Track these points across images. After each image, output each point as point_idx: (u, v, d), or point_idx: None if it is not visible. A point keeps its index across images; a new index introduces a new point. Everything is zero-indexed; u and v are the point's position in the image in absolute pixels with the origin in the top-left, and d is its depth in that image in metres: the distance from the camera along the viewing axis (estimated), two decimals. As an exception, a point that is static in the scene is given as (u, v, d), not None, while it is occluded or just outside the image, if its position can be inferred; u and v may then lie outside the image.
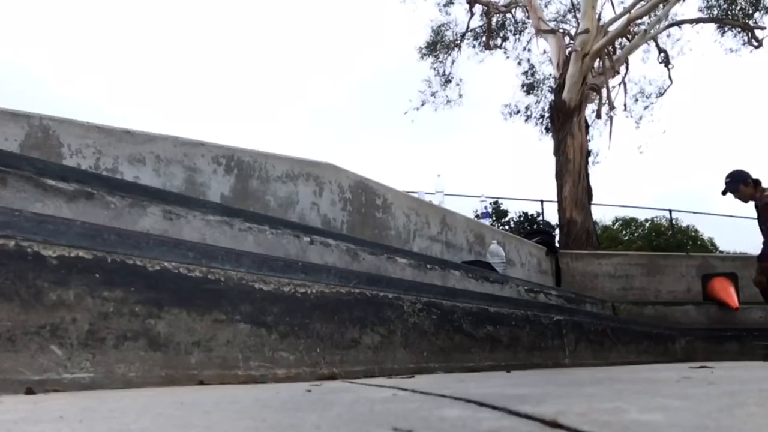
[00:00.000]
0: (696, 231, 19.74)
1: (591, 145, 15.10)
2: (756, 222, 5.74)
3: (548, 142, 14.51)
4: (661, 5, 12.43)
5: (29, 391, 1.22)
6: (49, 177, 2.00)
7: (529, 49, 16.36)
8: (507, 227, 15.79)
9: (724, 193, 5.65)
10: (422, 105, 16.40)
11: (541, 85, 16.54)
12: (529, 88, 16.70)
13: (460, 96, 16.41)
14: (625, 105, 15.08)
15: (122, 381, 1.40)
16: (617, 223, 22.18)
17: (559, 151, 11.43)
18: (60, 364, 1.31)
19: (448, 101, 16.37)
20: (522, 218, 16.33)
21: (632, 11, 12.04)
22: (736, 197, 5.57)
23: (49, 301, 1.32)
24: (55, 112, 2.80)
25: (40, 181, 1.97)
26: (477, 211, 9.51)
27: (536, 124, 16.74)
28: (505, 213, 16.61)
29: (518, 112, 17.10)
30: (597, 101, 13.70)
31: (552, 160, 11.71)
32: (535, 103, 16.61)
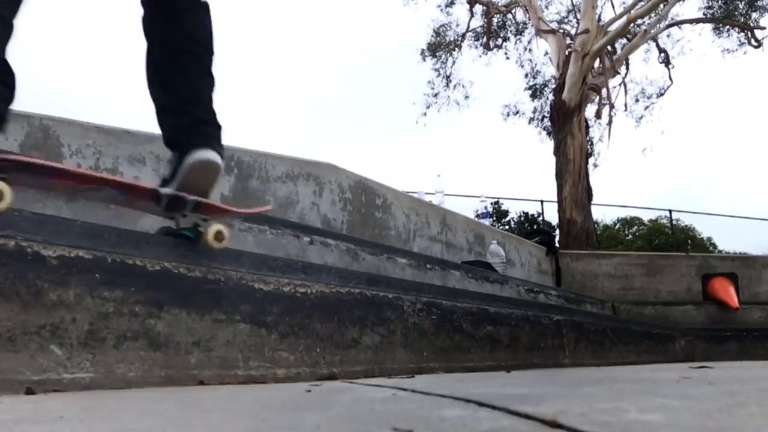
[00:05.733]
0: (694, 230, 19.75)
1: (592, 146, 15.15)
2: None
3: (549, 143, 14.53)
4: (661, 5, 12.43)
5: (29, 391, 1.22)
6: (49, 177, 2.00)
7: (529, 50, 16.37)
8: (507, 227, 15.79)
9: None
10: (428, 108, 16.43)
11: (544, 88, 16.56)
12: (535, 92, 16.71)
13: (467, 98, 16.45)
14: (625, 105, 15.10)
15: (122, 381, 1.40)
16: (618, 223, 22.19)
17: (559, 151, 11.43)
18: (60, 364, 1.31)
19: (456, 103, 16.39)
20: (522, 218, 16.33)
21: (632, 11, 12.04)
22: None
23: (49, 301, 1.32)
24: (50, 108, 2.80)
25: (40, 181, 1.96)
26: (477, 211, 9.51)
27: (537, 126, 16.78)
28: (505, 213, 16.61)
29: (517, 113, 17.12)
30: (597, 101, 13.71)
31: (552, 160, 11.72)
32: (540, 108, 16.65)
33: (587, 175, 11.59)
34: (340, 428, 0.79)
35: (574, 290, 6.47)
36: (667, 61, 14.87)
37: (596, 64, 12.15)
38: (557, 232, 11.82)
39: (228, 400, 1.15)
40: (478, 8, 15.55)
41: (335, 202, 4.03)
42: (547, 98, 16.08)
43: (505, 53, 16.43)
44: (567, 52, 12.08)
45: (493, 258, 5.49)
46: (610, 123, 13.20)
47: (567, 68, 11.50)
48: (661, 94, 15.77)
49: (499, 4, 15.48)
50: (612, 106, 13.23)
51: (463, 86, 16.42)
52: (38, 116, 2.75)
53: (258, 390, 1.41)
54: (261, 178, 3.59)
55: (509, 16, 15.96)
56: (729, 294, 6.63)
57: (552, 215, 14.02)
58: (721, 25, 14.71)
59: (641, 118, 15.98)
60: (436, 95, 16.46)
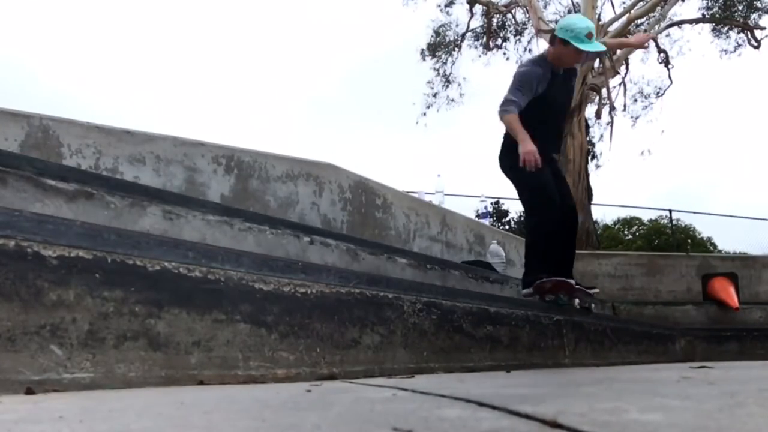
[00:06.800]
0: (694, 230, 19.76)
1: (593, 147, 15.16)
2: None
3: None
4: (660, 5, 12.43)
5: (29, 391, 1.22)
6: (49, 177, 2.00)
7: (529, 50, 16.36)
8: (507, 227, 15.79)
9: None
10: (428, 108, 16.46)
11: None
12: None
13: (461, 95, 16.47)
14: (625, 105, 15.08)
15: (122, 381, 1.40)
16: (618, 223, 22.20)
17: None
18: (60, 364, 1.31)
19: (451, 101, 16.43)
20: (522, 218, 16.31)
21: (632, 11, 12.05)
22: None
23: (49, 301, 1.32)
24: (50, 108, 2.80)
25: (40, 181, 1.97)
26: (477, 211, 9.51)
27: None
28: (505, 213, 16.61)
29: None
30: (597, 101, 13.69)
31: (552, 160, 11.70)
32: None
33: (587, 175, 11.59)
34: (340, 428, 0.79)
35: (574, 290, 6.46)
36: (666, 62, 14.86)
37: (596, 64, 12.16)
38: (557, 232, 11.80)
39: (228, 400, 1.15)
40: (478, 8, 15.55)
41: (335, 202, 4.03)
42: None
43: (505, 53, 16.44)
44: (567, 52, 12.06)
45: (493, 258, 5.48)
46: (611, 123, 13.19)
47: (567, 68, 11.49)
48: (661, 94, 15.77)
49: (499, 4, 15.47)
50: (613, 107, 13.23)
51: (459, 84, 16.44)
52: (38, 116, 2.75)
53: (258, 390, 1.41)
54: (261, 178, 3.59)
55: (509, 16, 15.96)
56: (729, 294, 6.62)
57: (552, 215, 14.00)
58: (720, 25, 14.71)
59: (637, 118, 15.97)
60: (435, 95, 16.48)
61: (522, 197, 3.62)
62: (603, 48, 3.46)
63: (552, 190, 3.47)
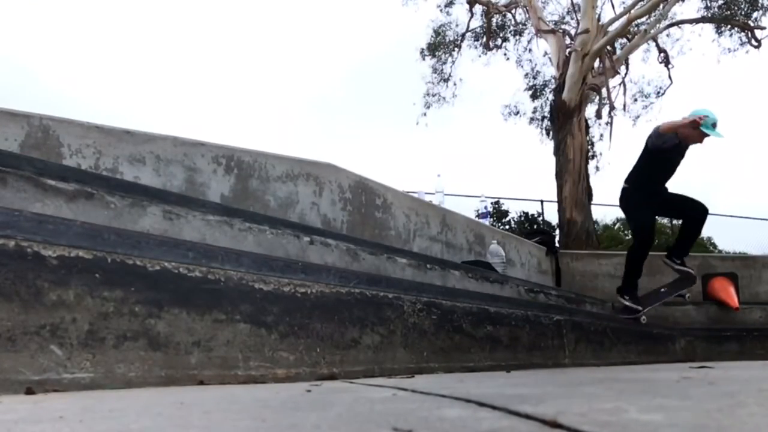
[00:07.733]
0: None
1: (593, 147, 15.16)
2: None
3: (549, 143, 14.52)
4: (661, 5, 12.42)
5: (29, 391, 1.22)
6: (49, 177, 2.00)
7: (529, 50, 16.37)
8: (507, 227, 15.78)
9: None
10: (428, 108, 16.49)
11: (544, 88, 16.57)
12: (535, 93, 16.73)
13: (454, 96, 16.51)
14: (624, 105, 15.06)
15: (122, 381, 1.40)
16: (618, 223, 22.18)
17: (559, 151, 11.42)
18: (60, 364, 1.31)
19: (443, 98, 16.47)
20: (522, 218, 16.31)
21: (632, 11, 12.03)
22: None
23: (49, 301, 1.32)
24: (50, 108, 2.80)
25: (40, 181, 1.97)
26: (477, 211, 9.50)
27: (538, 126, 16.80)
28: (505, 213, 16.60)
29: (518, 113, 17.14)
30: (597, 101, 13.68)
31: (552, 160, 11.72)
32: (540, 107, 16.67)
33: (587, 175, 11.58)
34: (340, 428, 0.79)
35: (574, 290, 6.47)
36: (666, 61, 14.85)
37: (596, 64, 12.15)
38: (557, 232, 11.82)
39: (228, 400, 1.15)
40: (478, 8, 15.55)
41: (335, 202, 4.03)
42: (547, 98, 16.09)
43: (505, 53, 16.44)
44: (567, 52, 12.07)
45: (493, 258, 5.48)
46: (611, 124, 13.18)
47: (567, 68, 11.49)
48: (661, 94, 15.76)
49: (499, 4, 15.47)
50: (613, 107, 13.22)
51: (455, 84, 16.47)
52: (38, 116, 2.75)
53: (258, 390, 1.41)
54: (261, 178, 3.58)
55: (509, 16, 15.96)
56: (729, 294, 6.61)
57: (552, 215, 14.02)
58: (721, 25, 14.70)
59: (638, 117, 15.96)
60: (435, 95, 16.50)
61: (634, 232, 5.26)
62: (723, 136, 4.69)
63: (652, 230, 5.20)
